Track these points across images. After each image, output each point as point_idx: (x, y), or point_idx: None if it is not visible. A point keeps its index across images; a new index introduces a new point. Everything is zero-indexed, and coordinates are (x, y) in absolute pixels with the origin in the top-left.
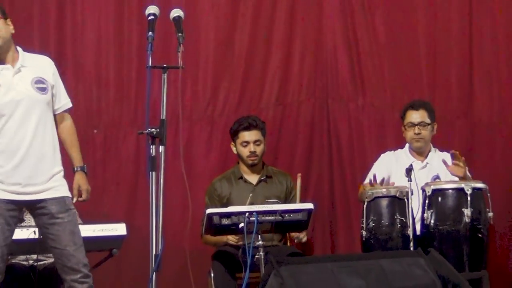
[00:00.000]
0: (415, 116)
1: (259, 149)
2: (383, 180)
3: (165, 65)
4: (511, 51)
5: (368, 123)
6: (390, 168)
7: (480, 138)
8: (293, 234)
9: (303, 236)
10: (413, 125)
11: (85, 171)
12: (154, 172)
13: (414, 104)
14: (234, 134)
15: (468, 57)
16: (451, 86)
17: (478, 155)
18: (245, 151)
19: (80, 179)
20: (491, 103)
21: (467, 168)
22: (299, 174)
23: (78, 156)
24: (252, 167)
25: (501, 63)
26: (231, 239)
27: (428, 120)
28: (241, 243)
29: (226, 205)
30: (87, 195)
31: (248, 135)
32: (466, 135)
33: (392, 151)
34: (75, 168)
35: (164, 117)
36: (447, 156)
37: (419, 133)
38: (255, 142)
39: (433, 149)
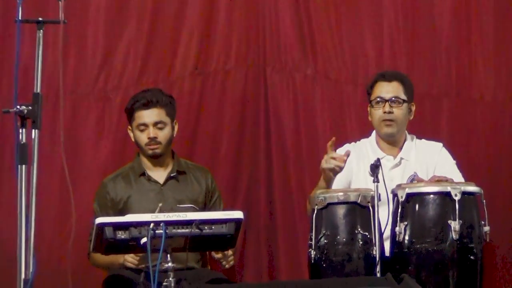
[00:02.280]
0: (387, 89)
1: (162, 134)
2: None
3: (40, 19)
4: None
5: (321, 101)
6: (350, 168)
7: (482, 121)
8: (217, 255)
9: (228, 261)
10: (383, 100)
11: None
12: (24, 166)
13: (386, 74)
14: (129, 115)
15: (464, 9)
16: (438, 51)
17: (473, 145)
18: (142, 137)
19: None
20: (497, 74)
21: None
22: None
23: None
24: (155, 160)
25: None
26: (130, 259)
27: (403, 96)
28: (143, 265)
29: (122, 213)
30: None
31: (146, 115)
32: (457, 117)
33: (352, 143)
34: None
35: (38, 91)
36: (430, 145)
37: (390, 112)
38: (155, 124)
39: (409, 137)
